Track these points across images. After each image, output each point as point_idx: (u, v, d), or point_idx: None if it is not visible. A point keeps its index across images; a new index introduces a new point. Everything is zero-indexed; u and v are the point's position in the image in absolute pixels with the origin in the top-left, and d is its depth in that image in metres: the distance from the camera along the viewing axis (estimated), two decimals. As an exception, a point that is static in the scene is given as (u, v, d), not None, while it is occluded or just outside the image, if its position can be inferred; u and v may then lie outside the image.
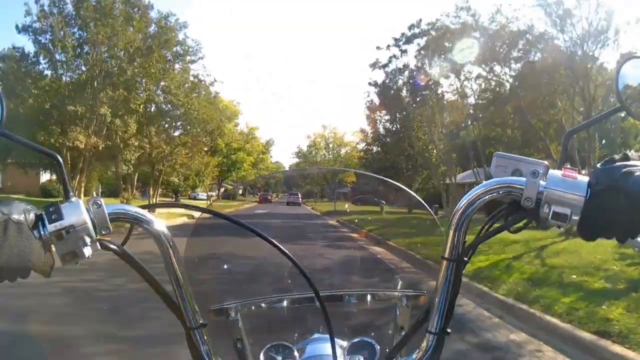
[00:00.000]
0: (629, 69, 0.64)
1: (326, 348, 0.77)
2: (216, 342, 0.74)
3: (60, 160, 0.62)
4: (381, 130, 30.42)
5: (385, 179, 1.23)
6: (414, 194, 1.07)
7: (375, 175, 1.39)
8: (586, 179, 0.59)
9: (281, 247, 0.71)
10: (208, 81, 26.47)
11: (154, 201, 23.40)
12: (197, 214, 1.31)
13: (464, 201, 0.64)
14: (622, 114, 0.64)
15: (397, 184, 1.15)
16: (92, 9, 18.23)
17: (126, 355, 3.86)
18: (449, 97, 23.40)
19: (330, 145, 63.73)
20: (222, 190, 54.84)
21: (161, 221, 0.63)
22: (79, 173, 19.01)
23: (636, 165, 0.58)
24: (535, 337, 4.40)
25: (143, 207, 0.64)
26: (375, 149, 32.43)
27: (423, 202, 0.99)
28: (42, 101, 18.25)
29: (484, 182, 0.63)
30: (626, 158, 0.61)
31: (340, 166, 47.60)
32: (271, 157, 75.37)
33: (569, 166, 0.61)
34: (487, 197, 0.63)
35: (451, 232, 0.65)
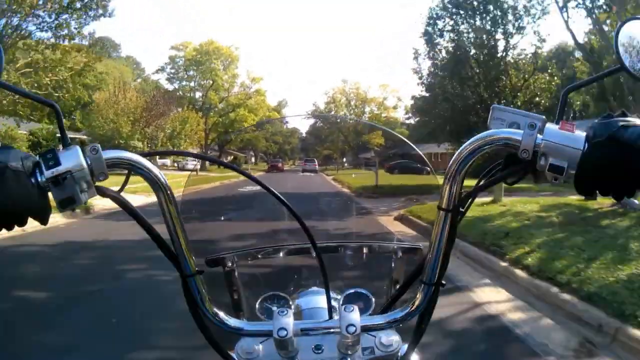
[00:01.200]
0: (628, 30, 0.65)
1: (321, 299, 0.80)
2: (213, 293, 0.77)
3: (59, 109, 0.63)
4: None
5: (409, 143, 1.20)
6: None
7: (403, 138, 1.27)
8: (584, 133, 0.60)
9: (279, 195, 0.74)
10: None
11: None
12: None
13: (461, 151, 0.66)
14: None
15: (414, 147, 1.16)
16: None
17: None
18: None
19: (353, 103, 56.58)
20: (229, 158, 50.31)
21: (157, 168, 0.63)
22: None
23: (634, 121, 0.59)
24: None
25: (141, 154, 0.66)
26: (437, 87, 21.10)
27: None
28: None
29: (481, 134, 0.65)
30: (624, 114, 0.61)
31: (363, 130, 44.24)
32: (286, 121, 70.81)
33: (567, 121, 0.62)
34: (485, 148, 0.65)
35: (447, 183, 0.67)
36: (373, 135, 41.37)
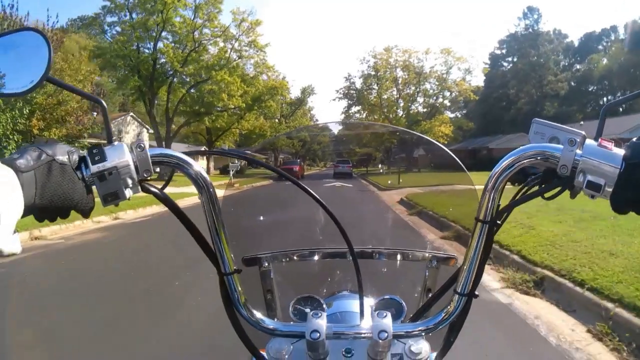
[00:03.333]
0: None
1: (354, 303, 0.85)
2: (248, 292, 0.82)
3: (105, 105, 0.68)
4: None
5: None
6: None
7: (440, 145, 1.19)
8: (622, 151, 0.64)
9: (319, 198, 0.79)
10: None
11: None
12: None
13: (501, 164, 0.69)
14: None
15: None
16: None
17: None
18: None
19: (407, 74, 43.39)
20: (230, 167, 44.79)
21: (201, 166, 0.67)
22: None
23: None
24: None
25: (185, 152, 0.71)
26: None
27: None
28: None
29: (521, 147, 0.69)
30: None
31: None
32: (314, 117, 60.26)
33: (605, 138, 0.65)
34: (524, 162, 0.68)
35: (486, 195, 0.71)
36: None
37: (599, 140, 0.64)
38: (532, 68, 60.93)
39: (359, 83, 45.69)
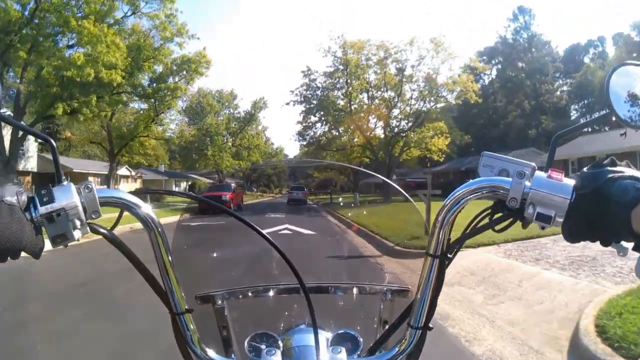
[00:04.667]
0: (618, 76, 0.73)
1: (310, 339, 0.90)
2: (202, 329, 0.85)
3: (54, 144, 0.71)
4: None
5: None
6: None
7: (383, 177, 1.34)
8: (572, 182, 0.68)
9: (268, 237, 0.83)
10: None
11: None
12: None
13: (449, 199, 0.73)
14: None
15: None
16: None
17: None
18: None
19: (383, 74, 34.97)
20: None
21: (149, 207, 0.69)
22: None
23: (622, 172, 0.66)
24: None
25: (132, 192, 0.75)
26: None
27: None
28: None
29: (470, 182, 0.74)
30: (613, 163, 0.69)
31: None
32: (266, 131, 56.07)
33: (555, 169, 0.69)
34: (472, 196, 0.72)
35: (436, 229, 0.75)
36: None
37: (549, 171, 0.69)
38: (527, 75, 58.77)
39: (321, 81, 37.01)
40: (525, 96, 59.01)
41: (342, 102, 36.46)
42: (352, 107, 35.56)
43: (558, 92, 60.94)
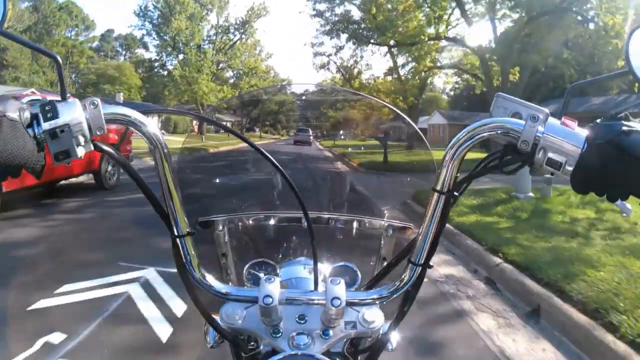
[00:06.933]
0: (638, 36, 0.71)
1: (309, 269, 0.88)
2: (203, 256, 0.86)
3: (59, 60, 0.69)
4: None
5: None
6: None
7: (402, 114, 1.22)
8: (585, 132, 0.68)
9: (275, 161, 0.83)
10: None
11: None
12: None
13: (461, 134, 0.73)
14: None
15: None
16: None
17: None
18: None
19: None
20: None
21: (156, 126, 0.68)
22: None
23: (637, 126, 0.65)
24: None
25: (141, 111, 0.73)
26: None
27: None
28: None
29: (482, 121, 0.73)
30: (627, 118, 0.68)
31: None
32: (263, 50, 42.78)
33: (569, 117, 0.69)
34: (484, 134, 0.72)
35: (444, 166, 0.75)
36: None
37: (562, 119, 0.69)
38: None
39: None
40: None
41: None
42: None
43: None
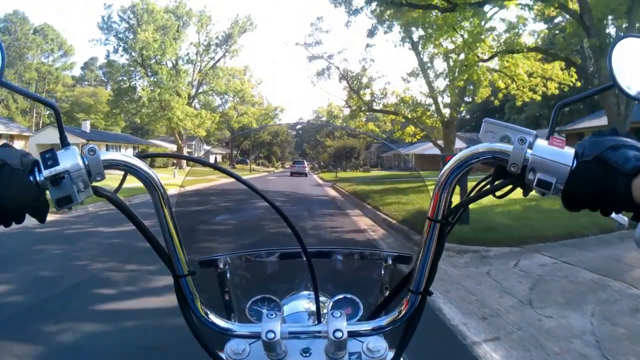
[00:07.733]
0: (621, 48, 0.73)
1: (311, 303, 0.89)
2: (205, 294, 0.88)
3: (58, 108, 0.72)
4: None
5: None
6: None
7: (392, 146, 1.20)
8: (573, 150, 0.69)
9: (272, 201, 0.85)
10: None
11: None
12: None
13: (451, 163, 0.75)
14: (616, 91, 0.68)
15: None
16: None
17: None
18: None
19: None
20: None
21: (153, 170, 0.70)
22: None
23: (624, 141, 0.67)
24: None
25: (137, 155, 0.77)
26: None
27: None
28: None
29: (472, 147, 0.75)
30: (615, 133, 0.70)
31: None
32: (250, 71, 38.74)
33: (557, 136, 0.70)
34: (473, 161, 0.74)
35: (437, 193, 0.76)
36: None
37: (550, 138, 0.70)
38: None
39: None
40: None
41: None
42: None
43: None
